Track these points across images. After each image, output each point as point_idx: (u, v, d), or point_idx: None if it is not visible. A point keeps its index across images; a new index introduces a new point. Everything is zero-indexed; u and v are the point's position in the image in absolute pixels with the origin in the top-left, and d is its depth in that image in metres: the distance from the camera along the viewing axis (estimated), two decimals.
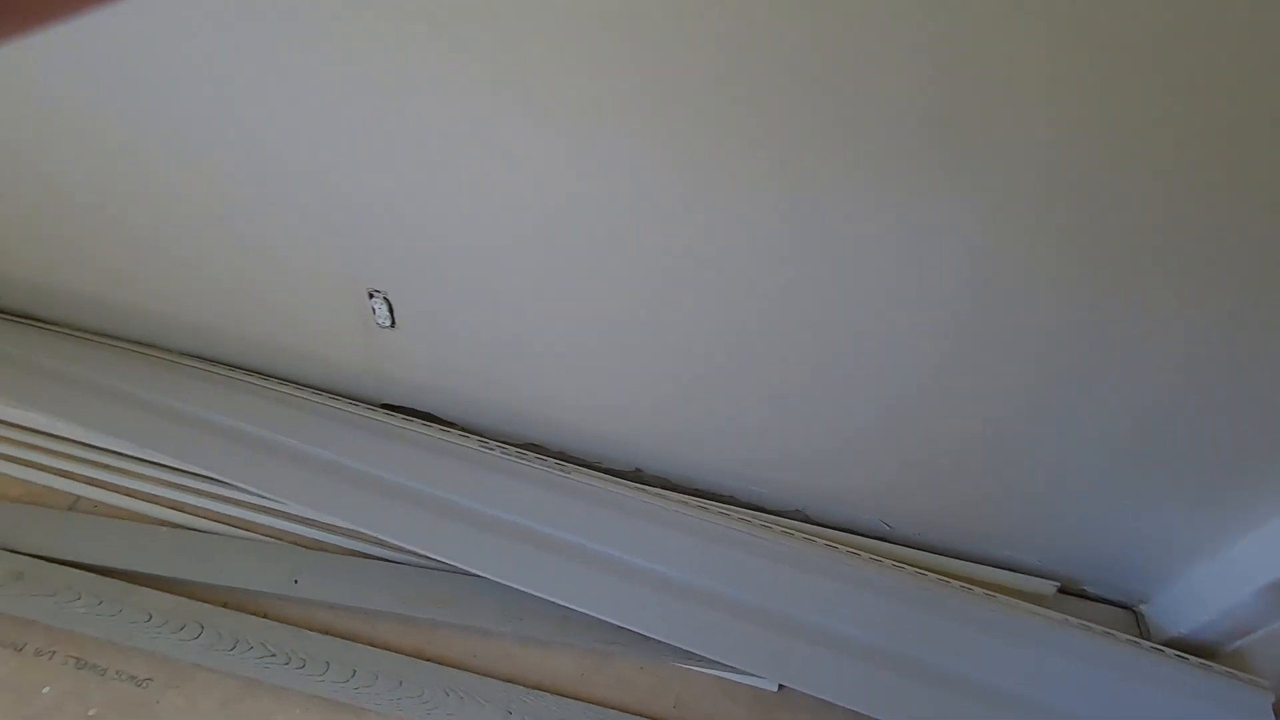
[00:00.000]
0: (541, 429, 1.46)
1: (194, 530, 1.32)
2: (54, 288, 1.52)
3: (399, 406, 1.52)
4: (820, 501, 1.38)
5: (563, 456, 1.47)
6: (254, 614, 1.23)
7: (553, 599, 1.20)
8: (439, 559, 1.24)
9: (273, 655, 1.17)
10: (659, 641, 1.17)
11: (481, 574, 1.22)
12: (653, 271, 1.09)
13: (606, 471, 1.44)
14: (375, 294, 1.28)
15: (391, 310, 1.29)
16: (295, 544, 1.33)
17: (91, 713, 1.13)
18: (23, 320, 1.59)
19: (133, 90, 1.09)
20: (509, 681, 1.19)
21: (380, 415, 1.46)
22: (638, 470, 1.47)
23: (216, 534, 1.32)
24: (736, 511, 1.37)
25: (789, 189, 0.92)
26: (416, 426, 1.44)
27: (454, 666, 1.20)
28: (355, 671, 1.17)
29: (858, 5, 0.74)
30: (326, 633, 1.22)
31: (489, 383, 1.39)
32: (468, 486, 1.32)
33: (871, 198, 0.90)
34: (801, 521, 1.40)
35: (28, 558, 1.25)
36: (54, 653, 1.18)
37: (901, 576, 1.25)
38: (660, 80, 0.86)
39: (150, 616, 1.19)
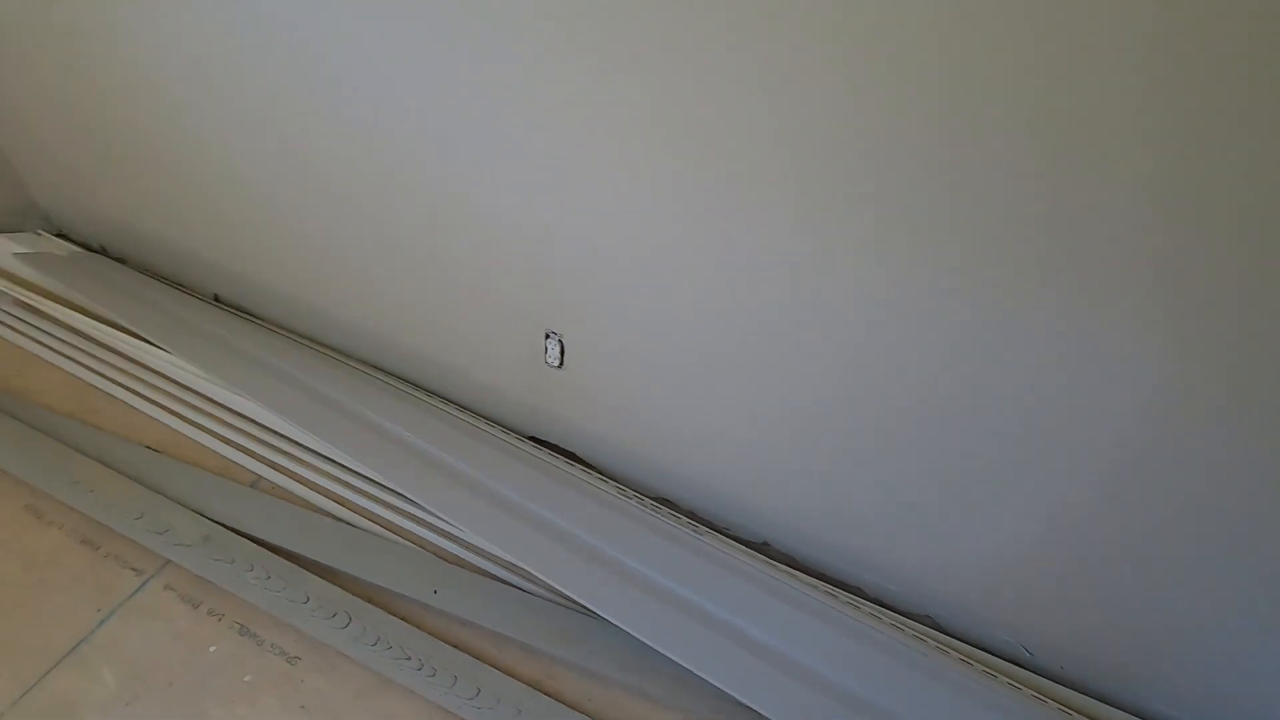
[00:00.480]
0: (676, 486, 1.50)
1: (352, 526, 1.43)
2: (267, 287, 1.73)
3: (546, 441, 1.60)
4: (951, 609, 1.33)
5: (693, 516, 1.49)
6: (395, 615, 1.31)
7: (671, 656, 1.21)
8: (569, 595, 1.28)
9: (408, 658, 1.24)
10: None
11: (607, 618, 1.25)
12: (822, 358, 1.11)
13: (733, 539, 1.45)
14: (552, 335, 1.37)
15: (563, 352, 1.38)
16: (436, 555, 1.41)
17: (247, 678, 1.23)
18: (240, 313, 1.81)
19: (356, 133, 1.26)
20: None
21: (527, 446, 1.54)
22: (765, 544, 1.47)
23: (371, 533, 1.43)
24: (864, 605, 1.34)
25: (997, 309, 0.94)
26: (561, 463, 1.51)
27: (570, 706, 1.23)
28: (480, 690, 1.21)
29: (1091, 155, 0.77)
30: (457, 647, 1.28)
31: (637, 435, 1.45)
32: (604, 530, 1.36)
33: (1067, 325, 0.90)
34: (930, 627, 1.35)
35: (214, 524, 1.39)
36: (223, 615, 1.30)
37: (1047, 711, 1.17)
38: (885, 190, 0.91)
39: (308, 599, 1.30)
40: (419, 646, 1.26)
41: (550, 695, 1.24)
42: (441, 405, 1.61)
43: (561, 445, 1.59)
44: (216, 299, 1.84)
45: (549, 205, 1.19)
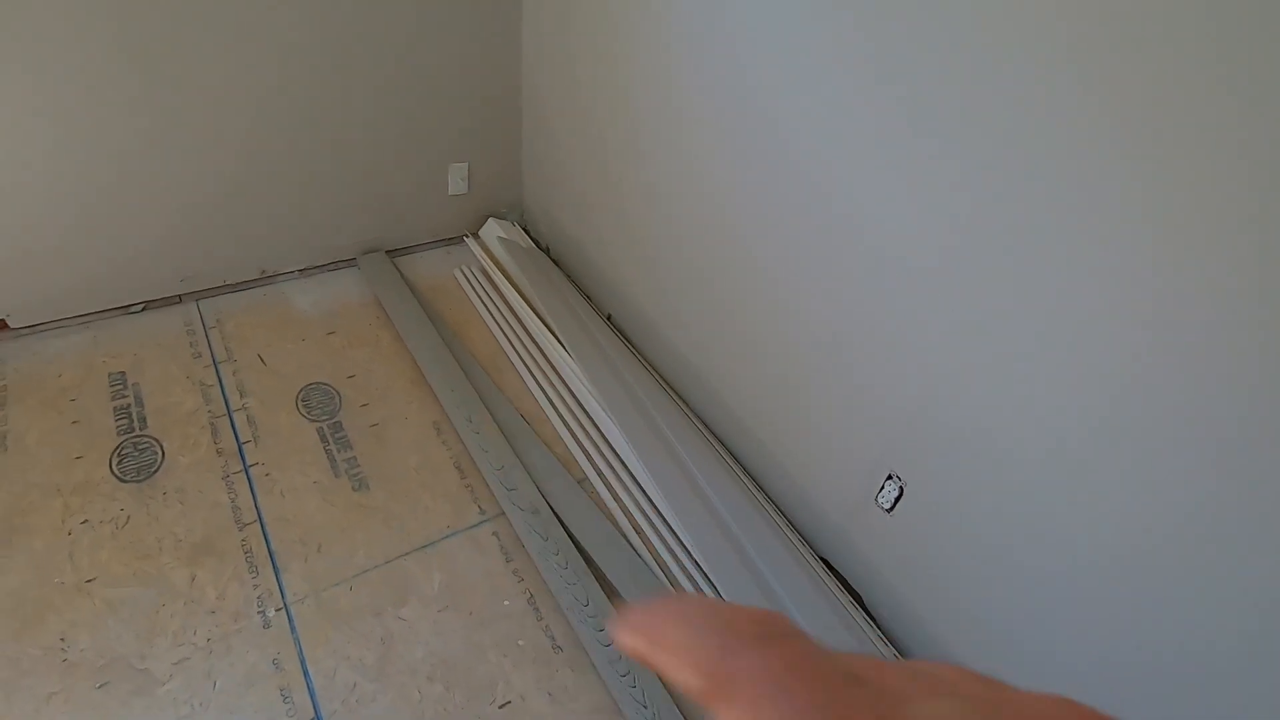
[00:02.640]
0: None
1: (642, 560, 1.56)
2: (651, 328, 1.98)
3: (835, 569, 1.56)
4: None
5: None
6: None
7: None
8: None
9: (645, 706, 1.31)
10: None
11: None
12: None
13: None
14: (894, 477, 1.35)
15: (899, 499, 1.35)
16: None
17: (520, 643, 1.41)
18: (622, 337, 2.11)
19: (803, 243, 1.37)
20: None
21: (819, 567, 1.53)
22: None
23: (654, 573, 1.54)
24: None
25: None
26: (845, 600, 1.46)
27: None
28: None
29: None
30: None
31: (944, 614, 1.34)
32: None
33: None
34: None
35: (544, 501, 1.63)
36: (524, 579, 1.51)
37: None
38: None
39: (588, 603, 1.44)
40: (657, 700, 1.32)
41: None
42: (756, 490, 1.67)
43: (849, 581, 1.54)
44: (610, 318, 2.17)
45: (942, 342, 1.18)
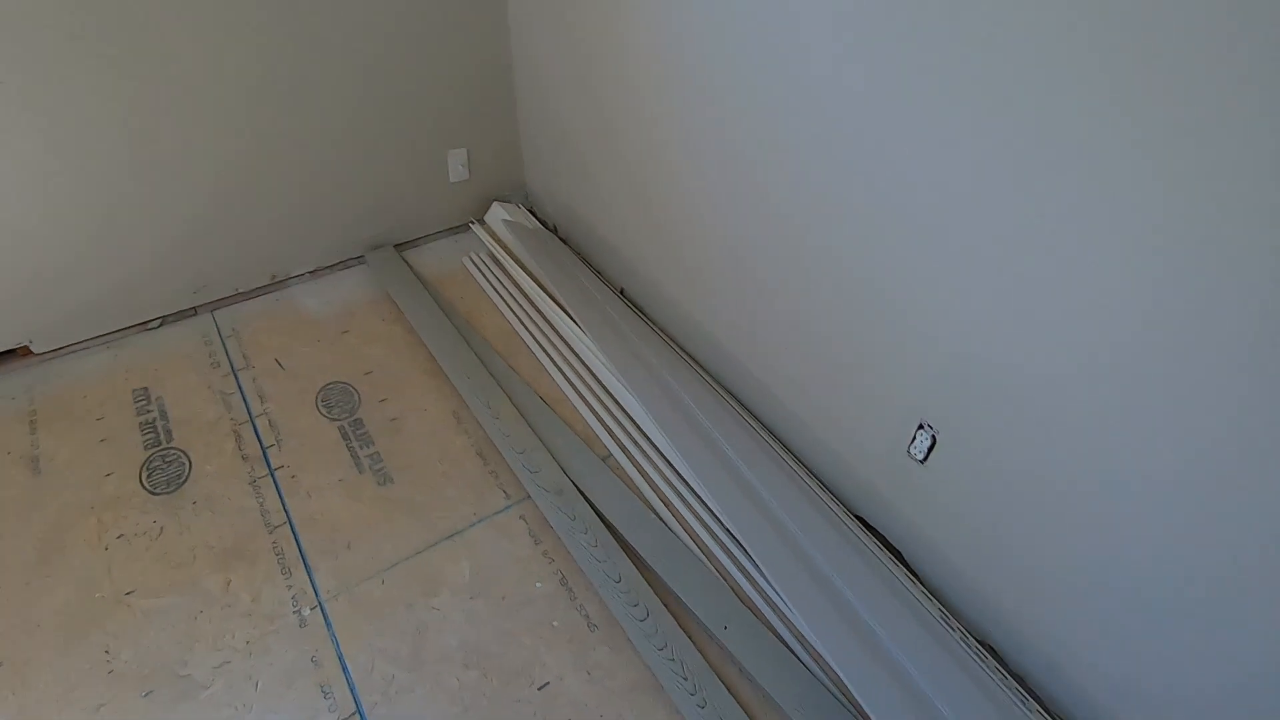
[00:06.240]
0: (1011, 640, 1.29)
1: (671, 531, 1.53)
2: (666, 299, 1.93)
3: (872, 526, 1.51)
4: None
5: (1021, 681, 1.27)
6: (684, 630, 1.36)
7: None
8: (858, 700, 1.19)
9: (685, 679, 1.28)
10: None
11: None
12: None
13: None
14: (925, 427, 1.29)
15: (932, 449, 1.29)
16: (733, 591, 1.43)
17: (555, 623, 1.39)
18: (637, 310, 2.06)
19: (810, 199, 1.31)
20: None
21: (854, 525, 1.48)
22: None
23: (684, 544, 1.51)
24: None
25: None
26: (885, 558, 1.41)
27: None
28: None
29: None
30: (729, 690, 1.28)
31: (983, 563, 1.28)
32: (915, 653, 1.24)
33: None
34: None
35: (569, 481, 1.60)
36: (554, 560, 1.49)
37: None
38: None
39: (620, 579, 1.42)
40: (697, 671, 1.29)
41: None
42: (781, 451, 1.62)
43: (887, 537, 1.49)
44: (622, 292, 2.12)
45: (975, 290, 1.11)
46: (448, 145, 2.22)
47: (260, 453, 1.67)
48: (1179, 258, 0.85)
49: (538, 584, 1.46)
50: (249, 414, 1.75)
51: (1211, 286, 0.83)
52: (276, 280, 2.12)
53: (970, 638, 1.30)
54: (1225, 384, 0.86)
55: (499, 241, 2.34)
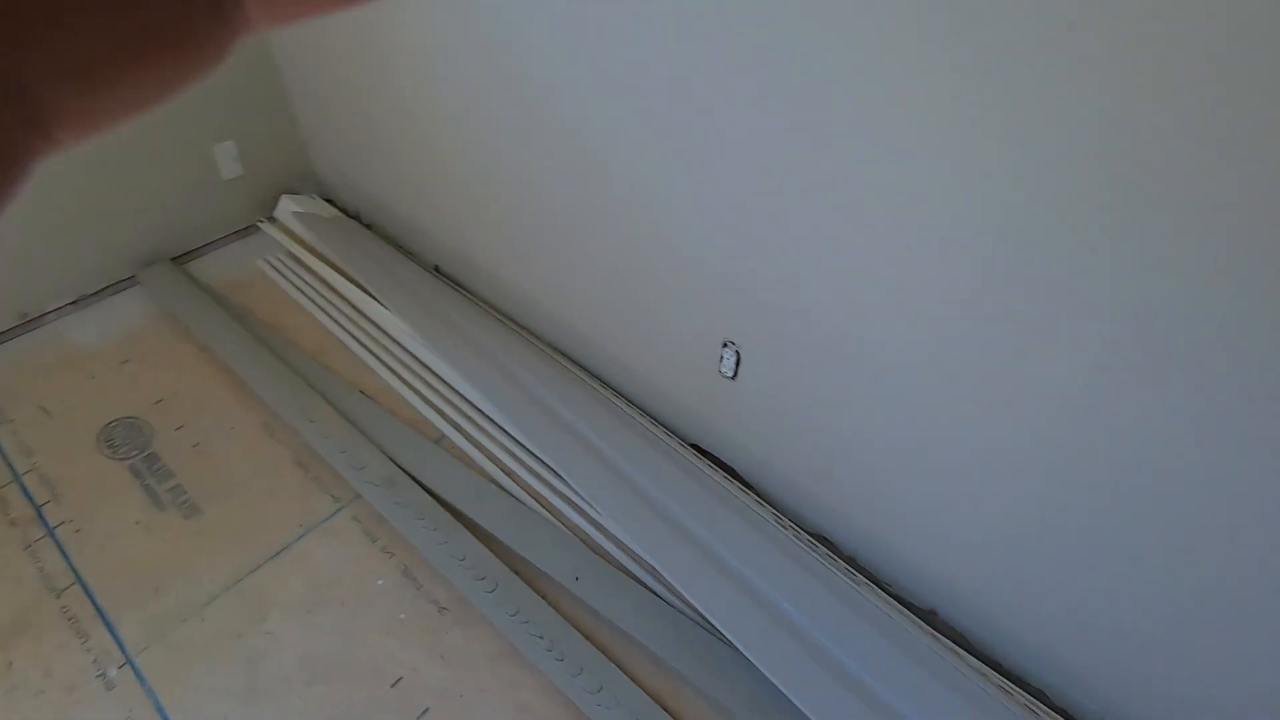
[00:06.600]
0: (839, 525, 1.38)
1: (514, 498, 1.50)
2: (480, 267, 1.87)
3: (707, 451, 1.56)
4: None
5: (852, 562, 1.37)
6: (536, 591, 1.34)
7: (808, 713, 1.11)
8: (709, 619, 1.23)
9: (540, 638, 1.27)
10: None
11: (743, 651, 1.18)
12: (1054, 398, 0.95)
13: (895, 597, 1.31)
14: (729, 345, 1.33)
15: (739, 364, 1.33)
16: (583, 543, 1.43)
17: (402, 616, 1.33)
18: (454, 285, 1.98)
19: (568, 133, 1.30)
20: None
21: (688, 453, 1.51)
22: (933, 611, 1.30)
23: (529, 508, 1.48)
24: (1046, 713, 1.14)
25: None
26: (719, 477, 1.46)
27: None
28: (602, 688, 1.21)
29: None
30: (588, 638, 1.28)
31: (804, 463, 1.36)
32: (755, 559, 1.29)
33: None
34: None
35: (400, 470, 1.53)
36: (394, 554, 1.42)
37: None
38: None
39: (464, 558, 1.38)
40: (552, 629, 1.28)
41: (671, 714, 1.19)
42: (612, 397, 1.63)
43: (721, 458, 1.54)
44: (437, 269, 2.03)
45: (744, 200, 1.15)
46: (212, 139, 2.01)
47: (34, 513, 1.46)
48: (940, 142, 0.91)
49: (379, 581, 1.38)
50: (13, 473, 1.52)
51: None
52: (28, 319, 1.85)
53: (803, 533, 1.38)
54: (977, 247, 0.94)
55: (295, 238, 2.16)
